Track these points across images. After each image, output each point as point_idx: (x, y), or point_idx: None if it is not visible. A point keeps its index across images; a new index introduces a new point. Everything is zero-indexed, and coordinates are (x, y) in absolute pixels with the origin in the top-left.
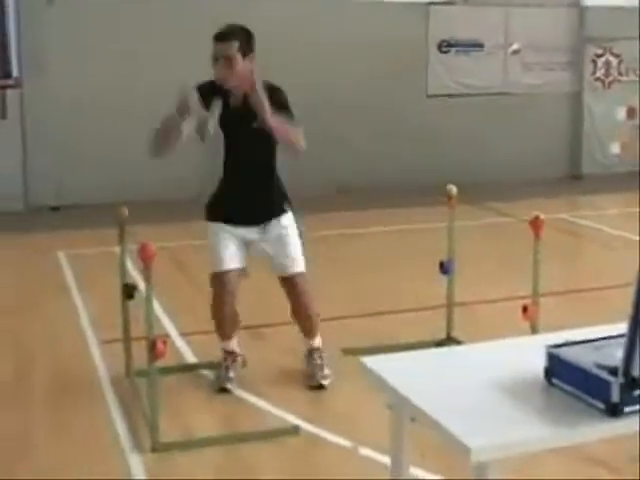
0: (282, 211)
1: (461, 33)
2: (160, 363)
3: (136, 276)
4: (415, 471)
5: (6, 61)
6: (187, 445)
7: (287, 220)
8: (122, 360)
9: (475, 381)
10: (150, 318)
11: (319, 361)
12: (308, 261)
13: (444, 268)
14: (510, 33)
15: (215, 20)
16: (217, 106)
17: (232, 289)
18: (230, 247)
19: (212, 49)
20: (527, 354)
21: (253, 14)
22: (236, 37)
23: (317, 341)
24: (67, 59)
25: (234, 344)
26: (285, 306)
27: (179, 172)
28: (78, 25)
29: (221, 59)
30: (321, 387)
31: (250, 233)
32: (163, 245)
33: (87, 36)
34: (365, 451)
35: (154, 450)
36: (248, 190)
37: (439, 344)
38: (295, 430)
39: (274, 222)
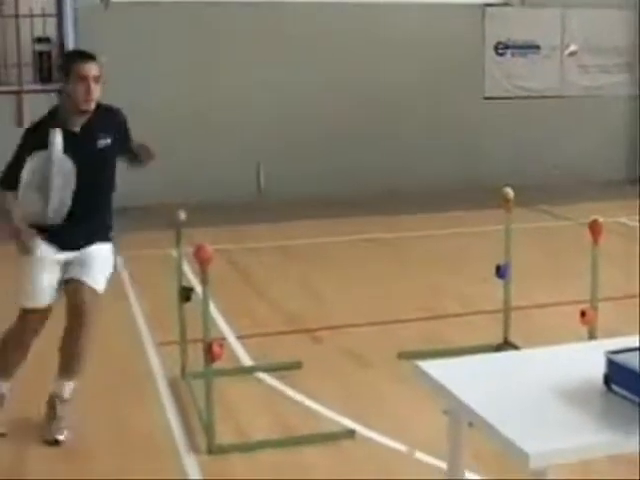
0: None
1: (517, 35)
2: (216, 365)
3: (193, 278)
4: (470, 475)
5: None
6: (242, 447)
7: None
8: (178, 362)
9: (533, 386)
10: (207, 320)
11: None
12: (362, 264)
13: (501, 272)
14: (567, 35)
15: (273, 29)
16: (57, 135)
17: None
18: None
19: (75, 69)
20: (586, 360)
21: (305, 20)
22: (98, 59)
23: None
24: (123, 64)
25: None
26: (343, 308)
27: (236, 174)
28: (135, 30)
29: (90, 78)
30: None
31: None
32: (219, 247)
33: (140, 40)
34: (420, 455)
35: (210, 452)
36: (85, 217)
37: (496, 348)
38: (351, 433)
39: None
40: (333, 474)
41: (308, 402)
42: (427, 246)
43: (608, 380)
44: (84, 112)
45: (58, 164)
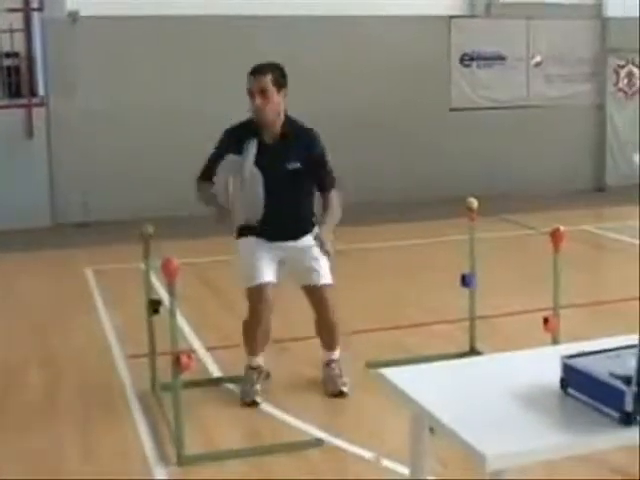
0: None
1: (483, 46)
2: (185, 377)
3: (163, 292)
4: None
5: (32, 80)
6: (212, 458)
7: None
8: (148, 375)
9: (492, 391)
10: (174, 332)
11: (337, 370)
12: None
13: (466, 281)
14: (532, 45)
15: (245, 43)
16: (252, 146)
17: (270, 303)
18: (264, 260)
19: (248, 84)
20: (544, 365)
21: (272, 36)
22: (270, 70)
23: (336, 353)
24: (93, 77)
25: (261, 359)
26: (310, 319)
27: None
28: (103, 43)
29: (257, 92)
30: (341, 394)
31: (279, 248)
32: (189, 261)
33: (112, 54)
34: (388, 463)
35: (179, 463)
36: (282, 222)
37: (462, 357)
38: (318, 442)
39: (302, 238)
40: None
41: (276, 412)
42: (393, 256)
43: (564, 384)
44: (270, 126)
45: (246, 174)
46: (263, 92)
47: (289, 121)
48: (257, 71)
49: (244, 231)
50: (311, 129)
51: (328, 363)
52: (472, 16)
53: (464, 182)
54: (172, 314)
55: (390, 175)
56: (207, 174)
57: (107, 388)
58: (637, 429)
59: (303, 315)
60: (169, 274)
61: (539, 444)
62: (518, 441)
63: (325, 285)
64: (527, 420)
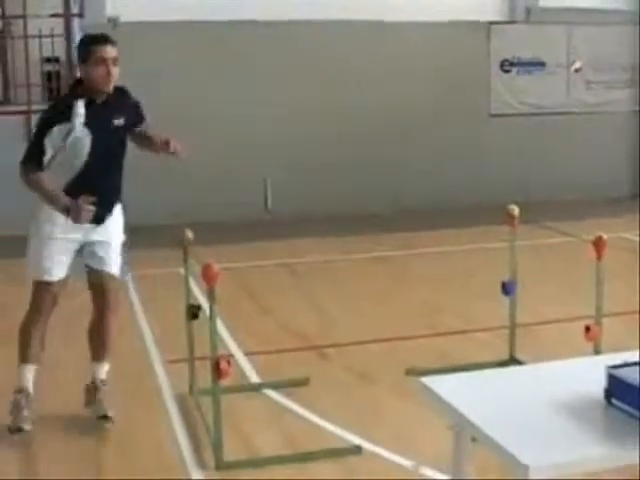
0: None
1: (523, 52)
2: (224, 382)
3: (201, 297)
4: None
5: None
6: (250, 463)
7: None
8: (186, 379)
9: (535, 401)
10: (214, 338)
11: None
12: (368, 281)
13: (506, 289)
14: (572, 51)
15: (283, 47)
16: (80, 106)
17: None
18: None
19: (93, 52)
20: (588, 375)
21: (310, 41)
22: (115, 42)
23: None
24: (131, 82)
25: (31, 377)
26: (350, 326)
27: (244, 193)
28: (143, 49)
29: (109, 60)
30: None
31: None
32: (227, 266)
33: (151, 59)
34: (426, 471)
35: (218, 468)
36: (102, 190)
37: (502, 365)
38: (357, 449)
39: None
40: None
41: (315, 418)
42: (433, 263)
43: (608, 394)
44: (102, 93)
45: (75, 135)
46: (114, 61)
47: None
48: (110, 40)
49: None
50: (125, 89)
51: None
52: (512, 22)
53: (503, 189)
54: (212, 319)
55: (429, 181)
56: (33, 160)
57: (146, 392)
58: None
59: (343, 321)
60: (209, 279)
61: (582, 455)
62: (561, 452)
63: (111, 273)
64: (570, 431)
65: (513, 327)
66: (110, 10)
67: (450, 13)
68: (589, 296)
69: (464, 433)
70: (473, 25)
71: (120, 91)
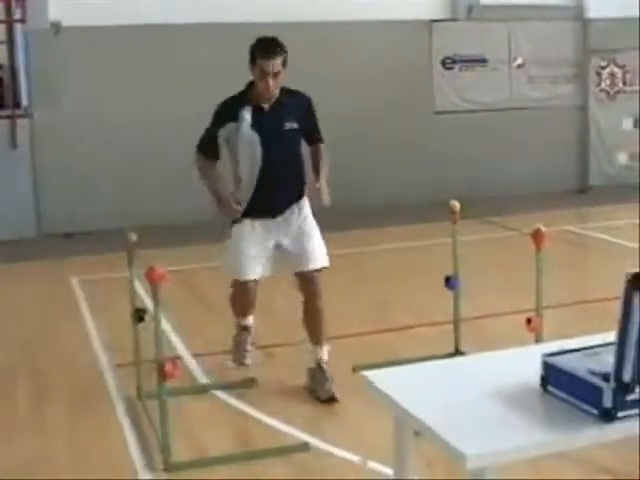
0: (300, 196)
1: (465, 49)
2: (172, 384)
3: (148, 300)
4: None
5: (16, 91)
6: (199, 464)
7: (305, 206)
8: (135, 383)
9: (474, 391)
10: (159, 340)
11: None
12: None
13: (449, 283)
14: (514, 48)
15: (228, 52)
16: (247, 112)
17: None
18: (253, 252)
19: (259, 64)
20: (526, 364)
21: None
22: (281, 51)
23: (325, 353)
24: (76, 88)
25: (251, 319)
26: (296, 325)
27: (190, 196)
28: (86, 54)
29: (271, 74)
30: (333, 399)
31: (271, 231)
32: (175, 269)
33: (95, 64)
34: (374, 465)
35: (166, 469)
36: (277, 186)
37: (447, 359)
38: (305, 446)
39: (294, 209)
40: None
41: (263, 417)
42: (382, 261)
43: (544, 382)
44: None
45: (244, 140)
46: (276, 74)
47: (283, 90)
48: (272, 53)
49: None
50: (300, 91)
51: (318, 365)
52: (453, 19)
53: (449, 185)
54: (156, 322)
55: (375, 179)
56: (209, 150)
57: (94, 396)
58: (616, 425)
59: (289, 320)
60: (153, 282)
61: (519, 442)
62: (498, 440)
63: (317, 270)
64: (507, 418)
65: (457, 321)
66: (53, 15)
67: (392, 12)
68: (532, 288)
69: (405, 426)
70: (415, 23)
71: (291, 93)
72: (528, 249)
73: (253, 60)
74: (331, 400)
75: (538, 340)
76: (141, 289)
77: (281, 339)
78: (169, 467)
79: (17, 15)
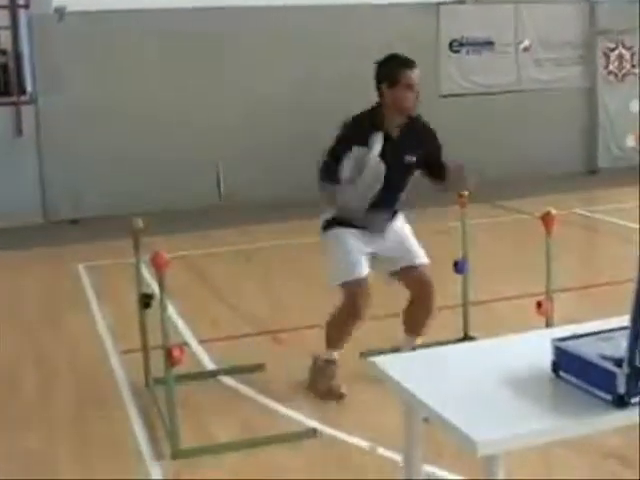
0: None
1: (471, 32)
2: (179, 370)
3: (155, 286)
4: (431, 469)
5: (20, 78)
6: (207, 450)
7: (399, 217)
8: (141, 369)
9: (484, 376)
10: (165, 326)
11: None
12: (322, 265)
13: (458, 267)
14: (520, 30)
15: (235, 37)
16: (379, 138)
17: (369, 297)
18: (360, 252)
19: (404, 76)
20: (537, 348)
21: (266, 24)
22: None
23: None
24: (81, 73)
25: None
26: (304, 310)
27: (196, 180)
28: (90, 39)
29: (414, 87)
30: None
31: (373, 242)
32: (180, 254)
33: (100, 50)
34: (383, 451)
35: (174, 457)
36: (382, 211)
37: (456, 343)
38: (313, 433)
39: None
40: (298, 473)
41: (271, 403)
42: None
43: (556, 367)
44: (401, 119)
45: (371, 167)
46: (417, 87)
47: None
48: (414, 65)
49: (334, 222)
50: (427, 123)
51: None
52: (460, 2)
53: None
54: (162, 307)
55: None
56: (334, 176)
57: (100, 384)
58: (629, 411)
59: (296, 305)
60: (159, 267)
61: (530, 429)
62: (509, 426)
63: (424, 265)
64: (518, 405)
65: (466, 305)
66: (57, 0)
67: None
68: (541, 272)
69: (414, 412)
70: (422, 6)
71: (414, 121)
72: (538, 232)
73: (390, 77)
74: None
75: (548, 324)
76: (148, 275)
77: (289, 324)
78: (177, 454)
79: (21, 0)
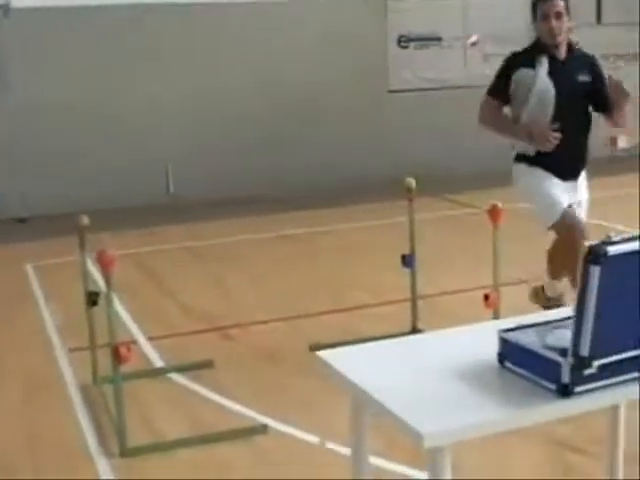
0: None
1: (419, 27)
2: (127, 368)
3: (102, 284)
4: (379, 462)
5: None
6: (156, 448)
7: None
8: (89, 367)
9: (431, 369)
10: (112, 323)
11: None
12: (272, 260)
13: (406, 261)
14: (468, 25)
15: (186, 32)
16: (545, 60)
17: (583, 226)
18: (557, 188)
19: (539, 8)
20: (483, 340)
21: (214, 22)
22: None
23: None
24: (27, 70)
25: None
26: (253, 306)
27: (145, 178)
28: (37, 35)
29: (553, 15)
30: None
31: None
32: (128, 252)
33: (46, 46)
34: (332, 445)
35: (122, 455)
36: (571, 144)
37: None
38: (263, 428)
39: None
40: (248, 469)
41: (221, 400)
42: (339, 240)
43: (501, 358)
44: (559, 48)
45: (540, 86)
46: (558, 15)
47: (572, 44)
48: None
49: (536, 162)
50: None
51: None
52: None
53: (407, 164)
54: (109, 305)
55: (332, 159)
56: (501, 94)
57: (48, 383)
58: (574, 400)
59: (245, 301)
60: (105, 265)
61: (476, 420)
62: (455, 418)
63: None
64: (465, 396)
65: (414, 299)
66: None
67: None
68: (490, 265)
69: (362, 405)
70: (369, 2)
71: (584, 54)
72: (486, 226)
73: (532, 13)
74: None
75: (495, 316)
76: (96, 273)
77: (238, 320)
78: (125, 452)
79: None
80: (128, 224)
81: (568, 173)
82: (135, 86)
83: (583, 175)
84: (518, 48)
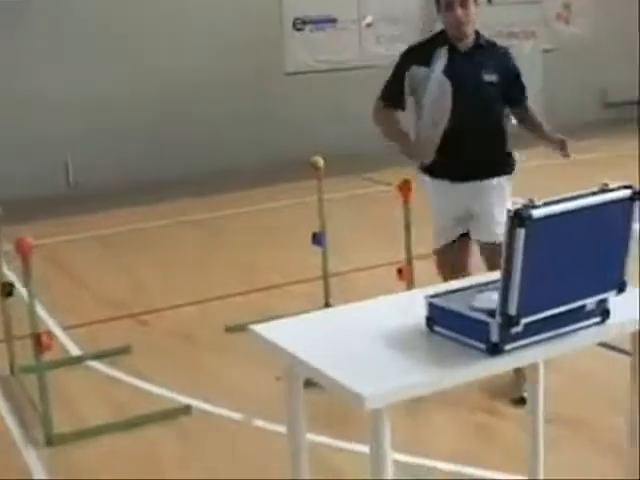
0: (502, 172)
1: (314, 10)
2: (45, 358)
3: (11, 275)
4: (314, 437)
5: None
6: (81, 435)
7: (505, 182)
8: (6, 358)
9: (362, 337)
10: (33, 312)
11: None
12: (182, 246)
13: (316, 239)
14: (363, 6)
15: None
16: (443, 53)
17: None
18: (445, 217)
19: None
20: (409, 307)
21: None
22: None
23: None
24: None
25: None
26: (164, 291)
27: (42, 168)
28: None
29: (458, 4)
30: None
31: (461, 195)
32: (35, 243)
33: None
34: (258, 422)
35: (49, 443)
36: (472, 145)
37: None
38: (187, 409)
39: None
40: (176, 450)
41: (142, 384)
42: (246, 222)
43: (430, 323)
44: (465, 39)
45: (434, 85)
46: (463, 4)
47: (480, 35)
48: None
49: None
50: (504, 48)
51: None
52: None
53: (316, 144)
54: (30, 294)
55: (233, 142)
56: (392, 97)
57: None
58: (504, 358)
59: (156, 287)
60: (23, 253)
61: (413, 380)
62: (392, 380)
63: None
64: (399, 360)
65: (326, 276)
66: None
67: None
68: (402, 241)
69: (296, 377)
70: None
71: (489, 43)
72: (398, 203)
73: (436, 2)
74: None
75: (409, 289)
76: (4, 266)
77: (151, 306)
78: (51, 441)
79: None
80: (31, 215)
81: (468, 174)
82: (26, 76)
83: (501, 182)
84: (411, 29)
